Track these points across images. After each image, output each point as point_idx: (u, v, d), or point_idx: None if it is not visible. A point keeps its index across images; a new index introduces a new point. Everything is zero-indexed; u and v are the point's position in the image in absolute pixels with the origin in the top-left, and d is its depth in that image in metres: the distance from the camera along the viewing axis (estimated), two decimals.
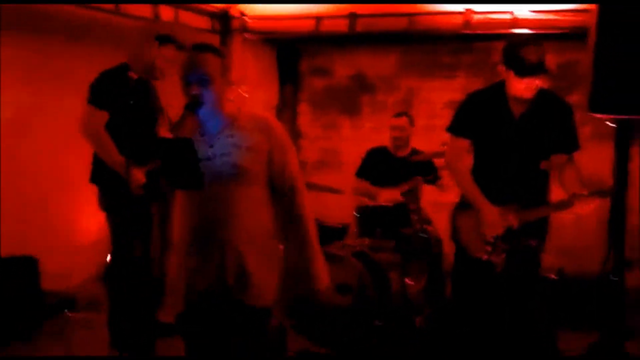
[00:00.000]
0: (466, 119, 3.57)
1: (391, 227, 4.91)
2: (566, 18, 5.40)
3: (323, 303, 4.49)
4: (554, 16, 5.48)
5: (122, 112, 3.96)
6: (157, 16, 5.55)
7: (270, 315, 2.67)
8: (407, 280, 4.87)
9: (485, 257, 3.49)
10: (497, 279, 3.48)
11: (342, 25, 6.11)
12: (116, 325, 4.18)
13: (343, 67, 7.18)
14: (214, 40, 6.36)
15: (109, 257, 4.19)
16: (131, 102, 3.96)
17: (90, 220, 5.10)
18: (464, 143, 3.59)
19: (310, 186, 5.64)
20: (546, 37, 5.85)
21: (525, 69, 3.28)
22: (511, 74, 3.35)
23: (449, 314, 3.75)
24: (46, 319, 4.78)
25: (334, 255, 4.65)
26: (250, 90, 5.04)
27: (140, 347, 4.04)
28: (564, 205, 3.44)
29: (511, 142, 3.47)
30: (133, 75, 4.04)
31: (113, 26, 5.35)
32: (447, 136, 3.68)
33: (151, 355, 4.07)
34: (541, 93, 3.42)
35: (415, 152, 5.30)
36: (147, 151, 2.96)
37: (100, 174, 4.06)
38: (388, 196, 5.05)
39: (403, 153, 5.33)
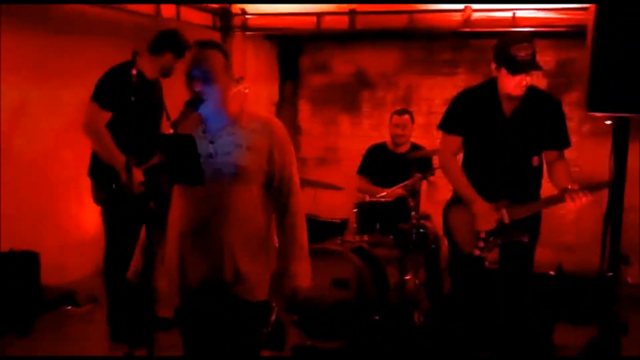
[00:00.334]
0: (458, 117, 3.62)
1: (390, 223, 4.92)
2: (565, 16, 5.42)
3: (322, 299, 4.51)
4: (553, 14, 5.50)
5: (126, 111, 3.99)
6: (158, 13, 5.57)
7: (270, 308, 2.69)
8: (405, 275, 4.89)
9: (477, 252, 3.53)
10: (490, 274, 3.51)
11: (342, 23, 6.13)
12: (116, 319, 4.21)
13: (343, 64, 7.20)
14: (215, 37, 6.38)
15: (104, 252, 4.22)
16: (133, 99, 3.98)
17: (90, 215, 5.13)
18: (456, 140, 3.63)
19: (310, 183, 5.68)
20: (546, 35, 5.90)
21: (516, 66, 3.32)
22: (503, 71, 3.39)
23: (446, 309, 3.77)
24: (45, 312, 4.80)
25: (333, 250, 4.67)
26: (250, 87, 5.05)
27: (140, 342, 4.06)
28: (555, 200, 3.47)
29: (502, 139, 3.51)
30: (135, 72, 4.06)
31: (114, 22, 5.37)
32: None
33: (151, 351, 4.09)
34: (531, 90, 3.47)
35: (415, 147, 5.31)
36: (148, 149, 2.97)
37: (98, 168, 4.09)
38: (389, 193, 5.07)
39: (403, 149, 5.35)
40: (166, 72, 4.26)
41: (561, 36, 5.78)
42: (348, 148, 6.93)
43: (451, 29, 5.83)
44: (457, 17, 5.74)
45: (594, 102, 2.93)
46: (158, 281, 2.79)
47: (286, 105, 7.33)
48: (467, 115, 3.57)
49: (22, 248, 4.68)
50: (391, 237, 4.92)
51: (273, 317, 2.70)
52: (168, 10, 5.70)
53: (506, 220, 3.48)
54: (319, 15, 6.17)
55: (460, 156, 3.73)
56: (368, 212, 4.98)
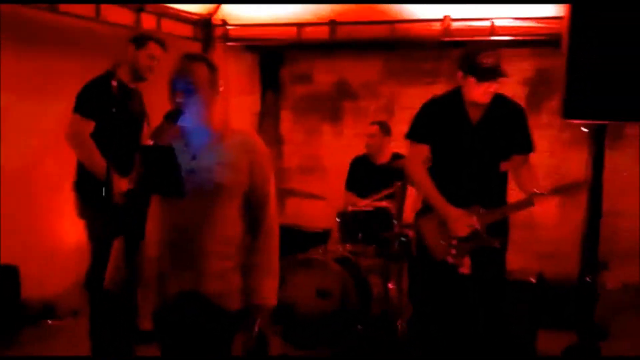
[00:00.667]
0: (425, 125, 3.68)
1: (373, 232, 4.94)
2: (544, 25, 5.47)
3: (305, 308, 4.51)
4: (531, 23, 5.56)
5: (106, 121, 3.97)
6: (138, 24, 5.56)
7: (249, 317, 2.69)
8: (388, 284, 4.90)
9: (450, 259, 3.56)
10: (464, 280, 3.55)
11: (323, 33, 6.16)
12: (97, 334, 4.17)
13: (325, 73, 7.21)
14: (196, 48, 6.39)
15: (89, 265, 4.19)
16: (114, 110, 3.96)
17: (70, 227, 5.09)
18: (424, 149, 3.69)
19: (293, 192, 5.68)
20: (525, 44, 5.95)
21: (483, 74, 3.40)
22: (469, 79, 3.46)
23: (427, 318, 3.79)
24: (26, 326, 4.76)
25: (316, 260, 4.67)
26: (232, 97, 5.06)
27: (121, 355, 4.03)
28: (524, 204, 3.54)
29: (470, 146, 3.57)
30: (115, 83, 4.05)
31: (94, 34, 5.35)
32: None
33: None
34: (496, 98, 3.54)
35: (396, 157, 5.34)
36: (131, 159, 2.96)
37: (85, 182, 4.07)
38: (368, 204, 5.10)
39: (383, 159, 5.39)
40: (135, 71, 4.19)
41: (540, 44, 5.84)
42: (330, 158, 6.94)
43: (431, 39, 5.87)
44: (437, 26, 5.78)
45: (569, 109, 2.97)
46: (139, 293, 2.78)
47: (268, 116, 7.33)
48: (434, 123, 3.64)
49: (2, 261, 4.64)
50: (374, 246, 4.93)
51: (256, 328, 2.70)
52: (149, 21, 5.70)
53: (478, 226, 3.52)
54: (300, 25, 6.19)
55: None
56: (350, 222, 5.00)
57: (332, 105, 7.18)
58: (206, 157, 2.63)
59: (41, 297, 5.05)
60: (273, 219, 2.73)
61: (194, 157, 2.62)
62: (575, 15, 2.89)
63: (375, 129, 5.45)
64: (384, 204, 4.97)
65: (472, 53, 3.46)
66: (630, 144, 5.83)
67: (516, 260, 4.41)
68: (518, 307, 4.40)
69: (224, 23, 6.43)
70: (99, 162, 3.95)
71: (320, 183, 6.57)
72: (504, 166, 3.62)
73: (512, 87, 6.39)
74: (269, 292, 2.70)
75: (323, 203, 5.43)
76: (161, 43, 4.23)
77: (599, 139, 3.12)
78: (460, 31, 5.69)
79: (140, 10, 5.54)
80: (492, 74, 3.41)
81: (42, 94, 5.13)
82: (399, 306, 4.84)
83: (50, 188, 5.12)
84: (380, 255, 4.91)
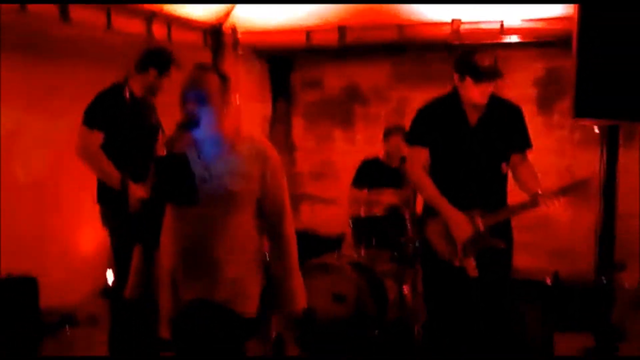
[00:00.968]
0: (424, 129, 3.69)
1: (386, 236, 4.94)
2: (554, 26, 5.45)
3: (321, 314, 4.51)
4: (541, 24, 5.54)
5: (119, 132, 4.01)
6: (149, 33, 5.60)
7: (261, 323, 2.72)
8: (404, 288, 4.90)
9: (457, 262, 3.58)
10: (472, 282, 3.56)
11: (332, 38, 6.17)
12: (116, 343, 4.20)
13: (335, 79, 7.23)
14: (206, 56, 6.42)
15: (110, 275, 4.21)
16: (126, 121, 4.00)
17: (87, 236, 5.13)
18: (424, 152, 3.69)
19: (306, 197, 5.70)
20: (535, 44, 5.94)
21: (481, 75, 3.43)
22: (467, 81, 3.49)
23: (437, 321, 3.80)
24: (46, 336, 4.79)
25: (331, 265, 4.68)
26: (243, 105, 5.08)
27: None
28: (528, 205, 3.55)
29: (470, 147, 3.59)
30: (127, 94, 4.08)
31: (105, 45, 5.39)
32: None
33: None
34: (493, 99, 3.57)
35: (405, 160, 5.34)
36: (145, 168, 3.00)
37: (106, 193, 4.10)
38: (386, 199, 5.08)
39: (396, 163, 5.38)
40: (151, 90, 4.26)
41: (550, 45, 5.82)
42: (343, 163, 6.93)
43: (441, 42, 5.88)
44: (446, 29, 5.78)
45: (580, 110, 2.96)
46: (159, 301, 2.81)
47: (279, 123, 7.35)
48: (433, 126, 3.65)
49: (20, 271, 4.68)
50: (388, 250, 4.93)
51: (274, 334, 2.73)
52: (159, 30, 5.73)
53: (481, 228, 3.54)
54: (309, 31, 6.21)
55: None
56: (364, 227, 5.01)
57: (343, 110, 7.20)
58: (218, 166, 2.65)
59: (60, 306, 5.08)
60: (290, 225, 2.76)
61: (206, 167, 2.65)
62: (584, 15, 2.88)
63: (398, 139, 5.38)
64: (394, 200, 4.95)
65: (469, 54, 3.51)
66: None
67: (531, 261, 4.40)
68: (534, 309, 4.38)
69: (234, 30, 6.46)
70: (110, 173, 3.98)
71: (333, 188, 6.57)
72: (505, 168, 3.64)
73: (523, 87, 6.41)
74: (298, 295, 2.74)
75: (336, 208, 5.44)
76: (177, 64, 4.28)
77: (612, 139, 3.10)
78: (470, 34, 5.68)
79: (151, 18, 5.57)
80: (490, 74, 3.45)
81: (55, 106, 5.18)
82: (415, 310, 4.83)
83: (67, 199, 5.17)
84: (395, 260, 4.91)
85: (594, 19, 2.81)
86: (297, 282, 2.78)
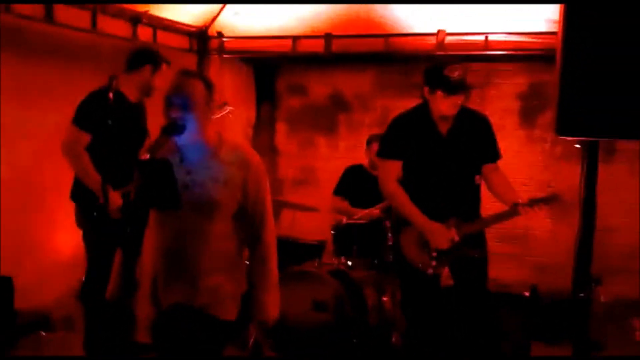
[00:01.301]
0: (395, 142, 3.73)
1: (367, 244, 4.95)
2: (538, 40, 5.51)
3: (301, 321, 4.51)
4: (526, 38, 5.60)
5: (103, 133, 3.99)
6: (135, 36, 5.58)
7: (233, 329, 2.72)
8: (383, 297, 4.91)
9: (431, 271, 3.61)
10: (447, 291, 3.60)
11: (318, 45, 6.19)
12: (92, 345, 4.17)
13: (319, 86, 7.25)
14: (192, 60, 6.41)
15: (84, 275, 4.19)
16: (110, 123, 3.97)
17: (64, 237, 5.09)
18: (397, 165, 3.73)
19: (287, 204, 5.68)
20: (519, 58, 6.00)
21: (451, 88, 3.48)
22: (438, 93, 3.53)
23: (415, 329, 3.83)
24: (20, 338, 4.74)
25: (311, 273, 4.68)
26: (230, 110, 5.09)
27: None
28: (506, 215, 3.61)
29: (442, 158, 3.64)
30: (111, 95, 4.06)
31: (91, 46, 5.37)
32: None
33: None
34: (461, 110, 3.63)
35: None
36: (127, 173, 2.99)
37: (80, 192, 4.07)
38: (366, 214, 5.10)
39: None
40: (147, 90, 4.25)
41: (534, 59, 5.88)
42: (325, 169, 6.96)
43: (426, 53, 5.92)
44: (432, 40, 5.82)
45: (563, 126, 2.99)
46: (136, 305, 2.80)
47: (263, 127, 7.36)
48: (405, 139, 3.69)
49: None
50: (369, 258, 4.95)
51: (251, 340, 2.73)
52: (145, 33, 5.72)
53: (457, 238, 3.58)
54: (295, 38, 6.22)
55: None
56: (345, 234, 5.02)
57: (326, 117, 7.22)
58: (200, 173, 2.65)
59: (35, 307, 5.03)
60: (270, 233, 2.77)
61: (188, 173, 2.65)
62: (568, 31, 2.91)
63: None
64: (377, 213, 4.98)
65: (438, 68, 3.54)
66: (623, 158, 5.88)
67: (511, 274, 4.43)
68: (512, 320, 4.42)
69: (220, 35, 6.46)
70: (92, 175, 3.96)
71: (315, 195, 6.59)
72: (478, 179, 3.69)
73: (506, 101, 6.47)
74: (270, 306, 2.74)
75: (317, 215, 5.44)
76: (167, 62, 4.28)
77: (592, 155, 3.14)
78: (455, 45, 5.73)
79: (136, 22, 5.56)
80: (460, 87, 3.51)
81: (40, 103, 5.14)
82: (394, 318, 4.84)
83: (46, 198, 5.12)
84: (375, 268, 4.92)
85: (579, 35, 2.85)
86: (272, 292, 2.76)
